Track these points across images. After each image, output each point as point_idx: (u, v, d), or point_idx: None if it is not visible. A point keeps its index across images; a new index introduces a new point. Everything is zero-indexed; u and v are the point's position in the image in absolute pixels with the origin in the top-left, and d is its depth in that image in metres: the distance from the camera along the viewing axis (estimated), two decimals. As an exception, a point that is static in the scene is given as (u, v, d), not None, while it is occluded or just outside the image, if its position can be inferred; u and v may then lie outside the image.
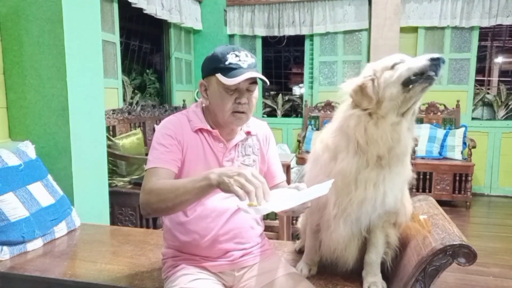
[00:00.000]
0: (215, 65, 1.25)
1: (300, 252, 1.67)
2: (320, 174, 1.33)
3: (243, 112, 1.27)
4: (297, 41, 5.42)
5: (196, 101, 4.99)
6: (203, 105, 1.36)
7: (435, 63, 1.13)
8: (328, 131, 1.37)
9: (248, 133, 1.39)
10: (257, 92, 1.31)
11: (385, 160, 1.23)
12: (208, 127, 1.32)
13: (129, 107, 3.71)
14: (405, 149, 1.25)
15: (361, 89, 1.25)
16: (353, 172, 1.25)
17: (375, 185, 1.24)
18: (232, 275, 1.33)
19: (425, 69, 1.15)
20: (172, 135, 1.28)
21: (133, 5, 3.60)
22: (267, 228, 2.84)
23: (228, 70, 1.22)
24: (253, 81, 1.26)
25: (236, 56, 1.24)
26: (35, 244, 1.79)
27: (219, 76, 1.23)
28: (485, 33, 5.02)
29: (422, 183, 4.25)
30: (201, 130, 1.32)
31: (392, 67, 1.22)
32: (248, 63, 1.25)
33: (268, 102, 5.60)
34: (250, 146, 1.39)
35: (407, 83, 1.18)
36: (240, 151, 1.37)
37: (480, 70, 5.07)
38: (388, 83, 1.21)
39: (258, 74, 1.24)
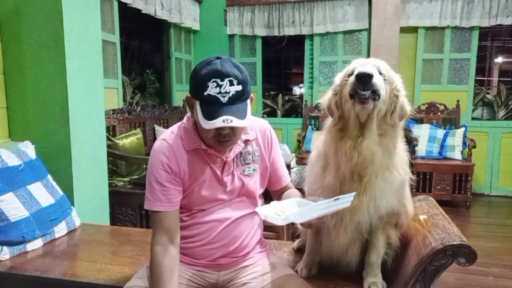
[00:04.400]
0: (196, 91, 1.16)
1: (298, 251, 1.67)
2: (316, 183, 1.35)
3: (228, 140, 1.20)
4: (297, 41, 5.41)
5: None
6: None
7: (361, 81, 1.11)
8: (322, 139, 1.38)
9: (246, 141, 1.32)
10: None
11: (356, 176, 1.23)
12: (203, 146, 1.25)
13: (129, 107, 3.71)
14: (375, 164, 1.21)
15: (329, 104, 1.28)
16: (338, 185, 1.26)
17: (360, 196, 1.24)
18: (216, 273, 1.33)
19: (355, 88, 1.14)
20: (167, 169, 1.23)
21: (128, 5, 3.59)
22: (267, 228, 2.84)
23: (206, 103, 1.13)
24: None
25: (217, 85, 1.12)
26: (35, 244, 1.79)
27: (197, 106, 1.15)
28: (485, 33, 5.02)
29: (422, 183, 4.25)
30: (195, 149, 1.26)
31: (349, 77, 1.21)
32: (229, 95, 1.12)
33: (268, 102, 5.60)
34: (249, 153, 1.33)
35: (352, 97, 1.17)
36: (239, 161, 1.31)
37: (480, 70, 5.07)
38: (344, 98, 1.22)
39: (235, 121, 1.11)
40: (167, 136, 1.29)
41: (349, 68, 1.25)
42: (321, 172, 1.33)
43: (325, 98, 1.32)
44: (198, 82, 1.14)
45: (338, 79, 1.29)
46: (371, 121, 1.20)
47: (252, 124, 1.35)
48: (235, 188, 1.31)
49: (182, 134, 1.27)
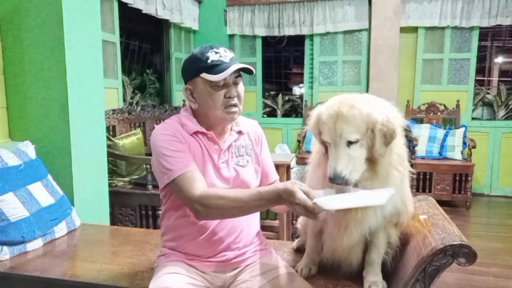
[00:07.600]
0: (197, 66, 1.25)
1: (297, 251, 1.67)
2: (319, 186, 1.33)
3: (235, 105, 1.27)
4: (297, 41, 5.41)
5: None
6: (192, 108, 1.34)
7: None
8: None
9: (239, 132, 1.39)
10: (242, 84, 1.32)
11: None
12: (204, 130, 1.32)
13: (129, 107, 3.71)
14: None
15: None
16: None
17: (363, 207, 1.23)
18: (222, 275, 1.34)
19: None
20: (175, 139, 1.27)
21: (129, 5, 3.59)
22: (267, 228, 2.84)
23: (213, 68, 1.23)
24: (238, 74, 1.28)
25: (216, 53, 1.25)
26: (35, 244, 1.79)
27: (204, 75, 1.24)
28: (485, 33, 5.02)
29: (422, 183, 4.25)
30: (196, 133, 1.32)
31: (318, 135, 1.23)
32: (229, 57, 1.26)
33: (268, 102, 5.60)
34: (243, 146, 1.39)
35: None
36: (234, 152, 1.37)
37: (480, 70, 5.07)
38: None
39: (244, 64, 1.26)
40: (167, 120, 1.36)
41: (317, 119, 1.24)
42: (323, 179, 1.30)
43: (310, 123, 1.30)
44: (197, 58, 1.26)
45: (310, 128, 1.29)
46: None
47: (242, 121, 1.42)
48: (229, 176, 1.33)
49: (183, 120, 1.33)
